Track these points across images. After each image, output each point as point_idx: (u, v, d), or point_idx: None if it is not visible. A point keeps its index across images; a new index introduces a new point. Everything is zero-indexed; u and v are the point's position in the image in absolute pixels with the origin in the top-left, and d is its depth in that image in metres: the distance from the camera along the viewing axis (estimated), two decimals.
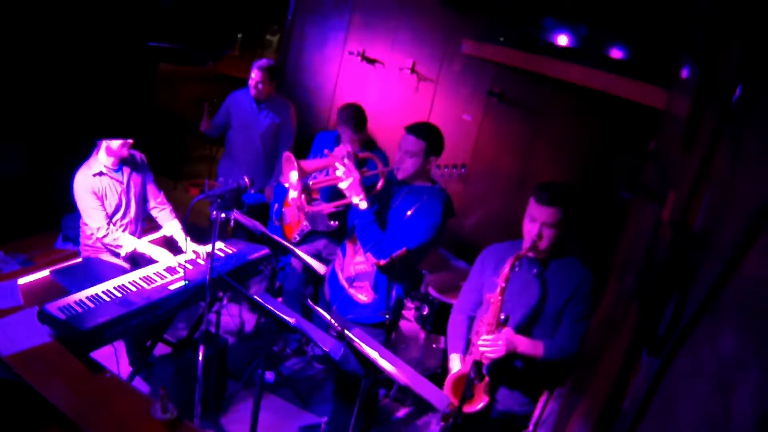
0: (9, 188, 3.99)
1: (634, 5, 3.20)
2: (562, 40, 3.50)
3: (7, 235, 3.85)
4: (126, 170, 3.27)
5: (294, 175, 2.68)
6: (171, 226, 3.43)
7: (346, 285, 2.89)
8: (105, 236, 3.16)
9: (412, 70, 4.61)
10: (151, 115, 5.45)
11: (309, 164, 2.76)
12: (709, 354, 1.08)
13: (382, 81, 4.82)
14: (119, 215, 3.28)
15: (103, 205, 3.18)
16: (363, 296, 2.83)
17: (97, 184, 3.15)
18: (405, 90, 4.72)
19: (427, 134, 2.67)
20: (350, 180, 2.63)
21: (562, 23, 3.51)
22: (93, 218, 3.15)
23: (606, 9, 3.34)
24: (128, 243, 3.20)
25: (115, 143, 3.11)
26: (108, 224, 3.18)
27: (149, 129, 4.94)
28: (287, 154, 2.74)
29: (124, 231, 3.30)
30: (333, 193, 2.87)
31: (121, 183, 3.25)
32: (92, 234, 3.23)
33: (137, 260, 3.34)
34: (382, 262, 2.67)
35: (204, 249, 3.16)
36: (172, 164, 6.10)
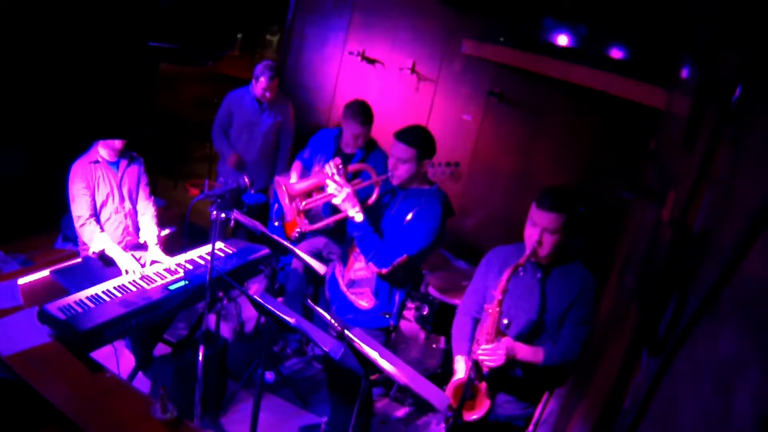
0: (9, 188, 3.99)
1: (634, 5, 3.20)
2: (562, 40, 3.49)
3: (7, 235, 3.86)
4: (123, 163, 3.32)
5: (285, 199, 2.70)
6: (148, 232, 3.38)
7: (346, 291, 2.89)
8: (82, 225, 3.16)
9: (412, 70, 4.61)
10: (151, 115, 5.44)
11: (297, 188, 2.75)
12: (709, 354, 1.08)
13: (382, 81, 4.82)
14: (111, 206, 3.28)
15: (93, 195, 3.20)
16: (364, 302, 2.82)
17: (91, 171, 3.19)
18: (405, 90, 4.72)
19: (416, 140, 2.63)
20: (343, 195, 2.63)
21: (562, 23, 3.51)
22: (77, 205, 3.16)
23: (606, 9, 3.33)
24: (98, 242, 3.15)
25: None
26: (90, 217, 3.17)
27: (151, 128, 4.94)
28: (276, 179, 2.77)
29: (120, 224, 3.32)
30: (332, 206, 2.88)
31: (116, 174, 3.29)
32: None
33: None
34: (384, 270, 2.66)
35: (169, 261, 3.14)
36: (172, 164, 6.10)
